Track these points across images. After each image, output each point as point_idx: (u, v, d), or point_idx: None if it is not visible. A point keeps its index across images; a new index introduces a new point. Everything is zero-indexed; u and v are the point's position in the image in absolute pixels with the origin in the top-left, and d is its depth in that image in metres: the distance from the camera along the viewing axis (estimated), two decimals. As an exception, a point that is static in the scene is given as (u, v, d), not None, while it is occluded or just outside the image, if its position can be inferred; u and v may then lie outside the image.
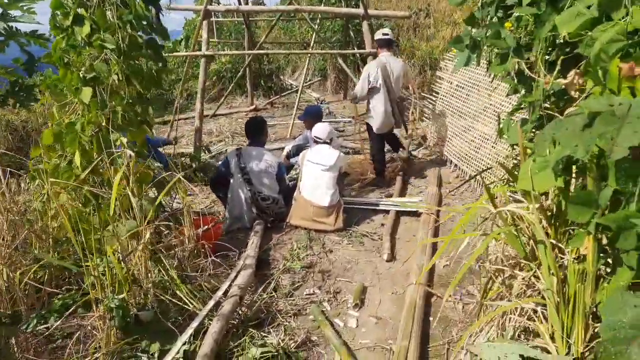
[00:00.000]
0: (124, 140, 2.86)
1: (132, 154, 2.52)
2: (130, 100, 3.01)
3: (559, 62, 1.41)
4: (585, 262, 1.34)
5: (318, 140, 3.94)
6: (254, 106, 9.53)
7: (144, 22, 3.09)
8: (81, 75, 2.85)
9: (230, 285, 2.77)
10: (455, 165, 5.03)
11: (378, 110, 4.68)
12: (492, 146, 4.45)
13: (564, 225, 1.55)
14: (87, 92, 2.78)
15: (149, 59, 3.12)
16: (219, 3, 16.12)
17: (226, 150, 6.40)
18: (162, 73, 3.24)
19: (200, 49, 5.77)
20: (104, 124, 2.81)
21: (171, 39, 14.11)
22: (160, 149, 5.56)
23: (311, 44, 8.20)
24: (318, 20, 9.14)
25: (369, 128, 4.95)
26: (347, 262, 3.33)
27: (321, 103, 10.46)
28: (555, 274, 1.37)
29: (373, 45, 5.82)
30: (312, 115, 4.90)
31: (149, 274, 2.46)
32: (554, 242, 1.50)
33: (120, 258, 2.33)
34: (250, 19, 9.67)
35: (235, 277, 2.85)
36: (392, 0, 18.04)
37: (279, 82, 10.89)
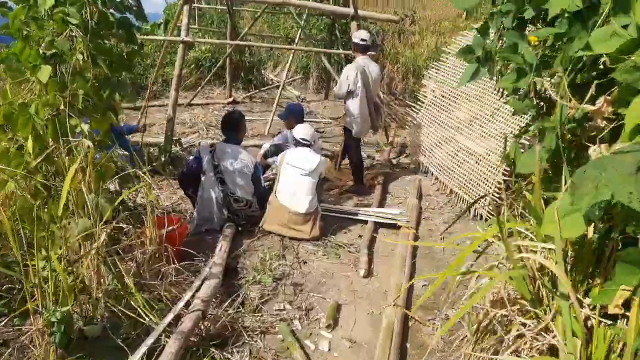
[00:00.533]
0: (85, 127, 2.57)
1: (91, 144, 2.23)
2: (96, 84, 2.72)
3: (592, 86, 1.25)
4: (616, 326, 1.18)
5: (303, 142, 3.72)
6: (232, 98, 9.20)
7: (118, -1, 2.80)
8: (41, 51, 2.53)
9: (193, 296, 2.52)
10: (437, 177, 4.91)
11: (357, 114, 4.61)
12: (476, 162, 4.35)
13: (581, 274, 1.40)
14: (45, 71, 2.47)
15: (120, 39, 2.82)
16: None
17: (199, 143, 6.09)
18: (133, 56, 2.95)
19: (179, 35, 5.45)
20: (62, 107, 2.50)
21: (149, 22, 13.60)
22: (129, 137, 5.21)
23: (296, 40, 7.94)
24: (305, 17, 8.92)
25: (347, 132, 4.84)
26: (322, 276, 3.12)
27: (302, 101, 10.23)
28: (580, 336, 1.20)
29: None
30: (294, 114, 4.67)
31: (101, 281, 2.18)
32: (579, 297, 1.33)
33: (68, 263, 2.05)
34: (234, 8, 9.34)
35: (199, 287, 2.60)
36: (379, 4, 18.03)
37: (260, 76, 10.59)
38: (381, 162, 5.68)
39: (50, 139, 2.49)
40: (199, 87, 8.87)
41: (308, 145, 3.75)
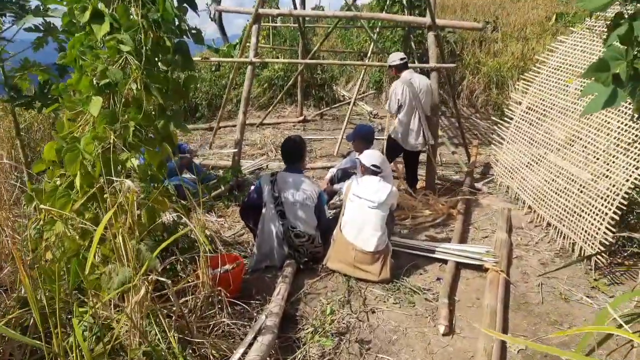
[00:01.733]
0: (135, 162, 2.40)
1: (131, 185, 2.02)
2: (153, 113, 2.57)
3: None
4: None
5: (373, 169, 3.31)
6: (302, 117, 9.06)
7: (174, 23, 2.63)
8: (94, 81, 2.41)
9: (244, 353, 2.21)
10: (530, 207, 4.22)
11: (407, 127, 4.61)
12: (580, 190, 3.64)
13: None
14: (96, 102, 2.33)
15: (176, 66, 2.64)
16: (277, 7, 15.96)
17: (267, 166, 5.92)
18: (190, 83, 2.76)
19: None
20: (111, 140, 2.35)
21: (229, 42, 14.01)
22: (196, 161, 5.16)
23: (368, 55, 7.58)
24: (377, 30, 8.55)
25: (394, 145, 4.74)
26: (393, 331, 2.67)
27: (374, 117, 9.82)
28: None
29: (438, 59, 5.15)
30: (363, 137, 4.29)
31: (141, 340, 1.94)
32: None
33: (99, 325, 1.82)
34: (306, 25, 9.24)
35: (252, 342, 2.28)
36: (457, 12, 17.17)
37: (331, 93, 10.36)
38: (462, 185, 5.08)
39: (99, 176, 2.34)
40: (271, 106, 8.83)
41: (378, 173, 3.34)
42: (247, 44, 5.72)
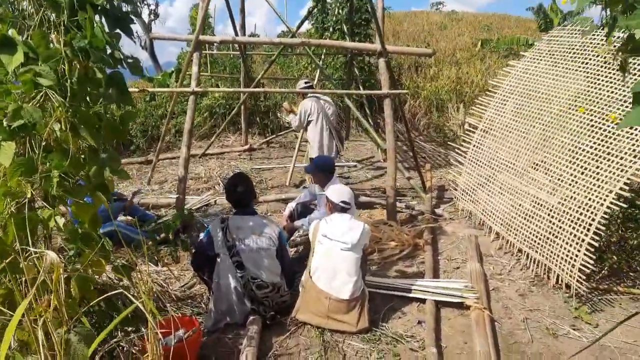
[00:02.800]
0: (61, 221, 1.92)
1: (55, 257, 1.56)
2: (83, 157, 2.11)
3: None
4: None
5: (342, 205, 3.00)
6: (248, 145, 8.68)
7: (106, 51, 2.21)
8: (4, 124, 1.93)
9: None
10: (497, 233, 4.12)
11: (317, 140, 5.07)
12: (549, 215, 3.57)
13: None
14: (7, 149, 1.85)
15: (109, 101, 2.21)
16: (213, 34, 15.58)
17: (215, 201, 5.44)
18: (128, 119, 2.33)
19: (189, 85, 4.93)
20: (29, 195, 1.86)
21: (164, 71, 13.36)
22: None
23: (314, 82, 7.40)
24: (322, 56, 8.45)
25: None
26: (382, 394, 2.33)
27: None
28: None
29: (390, 85, 5.03)
30: (323, 169, 4.00)
31: None
32: None
33: None
34: (247, 52, 8.95)
35: None
36: (389, 39, 17.76)
37: (277, 120, 10.08)
38: (423, 212, 4.92)
39: (12, 242, 1.84)
40: (214, 136, 8.36)
41: (347, 210, 3.04)
42: (188, 72, 5.31)
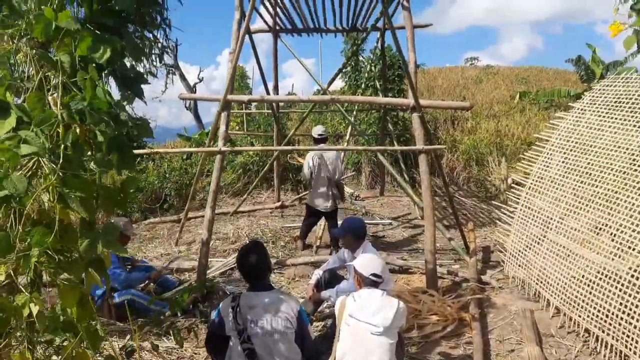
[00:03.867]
0: (35, 309, 1.65)
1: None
2: (74, 234, 1.88)
3: None
4: None
5: (374, 279, 2.61)
6: (280, 202, 8.49)
7: (110, 113, 2.04)
8: (-14, 194, 1.73)
9: None
10: (557, 308, 3.54)
11: (317, 191, 5.55)
12: (618, 289, 3.00)
13: None
14: (-15, 225, 1.64)
15: (108, 166, 2.01)
16: (250, 93, 16.08)
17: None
18: (129, 186, 2.11)
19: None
20: (2, 278, 1.62)
21: (204, 129, 13.70)
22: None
23: (346, 138, 7.23)
24: (355, 112, 8.35)
25: (308, 208, 5.83)
26: None
27: (355, 199, 9.33)
28: None
29: (425, 140, 4.73)
30: (354, 231, 3.64)
31: None
32: None
33: None
34: (280, 111, 9.00)
35: None
36: (424, 94, 17.73)
37: (309, 176, 9.89)
38: (467, 280, 4.40)
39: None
40: (246, 193, 8.24)
41: (379, 284, 2.64)
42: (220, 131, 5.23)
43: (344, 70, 12.05)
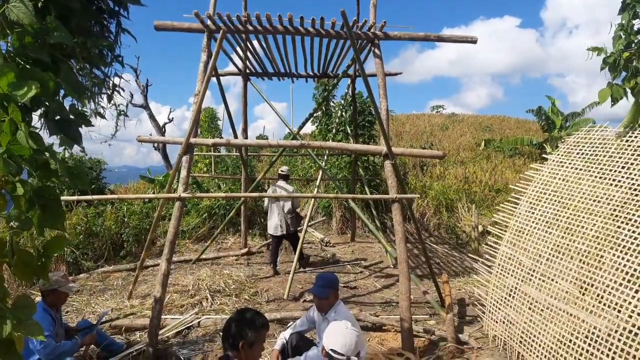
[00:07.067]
0: None
1: None
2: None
3: None
4: None
5: (334, 355, 2.27)
6: (246, 249, 8.06)
7: (34, 161, 1.72)
8: None
9: None
10: (542, 374, 3.27)
11: (272, 218, 6.67)
12: (608, 348, 2.78)
13: None
14: None
15: (27, 225, 1.65)
16: (220, 136, 15.80)
17: (199, 323, 4.64)
18: (54, 249, 1.75)
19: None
20: None
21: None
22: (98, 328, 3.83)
23: (317, 183, 7.01)
24: (325, 157, 8.19)
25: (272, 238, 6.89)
26: None
27: (326, 245, 8.99)
28: None
29: (399, 188, 4.55)
30: (333, 286, 3.28)
31: None
32: None
33: None
34: (250, 153, 8.77)
35: None
36: (393, 140, 17.99)
37: (278, 221, 9.51)
38: (445, 339, 4.09)
39: None
40: (211, 239, 7.77)
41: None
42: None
43: (315, 115, 12.04)
